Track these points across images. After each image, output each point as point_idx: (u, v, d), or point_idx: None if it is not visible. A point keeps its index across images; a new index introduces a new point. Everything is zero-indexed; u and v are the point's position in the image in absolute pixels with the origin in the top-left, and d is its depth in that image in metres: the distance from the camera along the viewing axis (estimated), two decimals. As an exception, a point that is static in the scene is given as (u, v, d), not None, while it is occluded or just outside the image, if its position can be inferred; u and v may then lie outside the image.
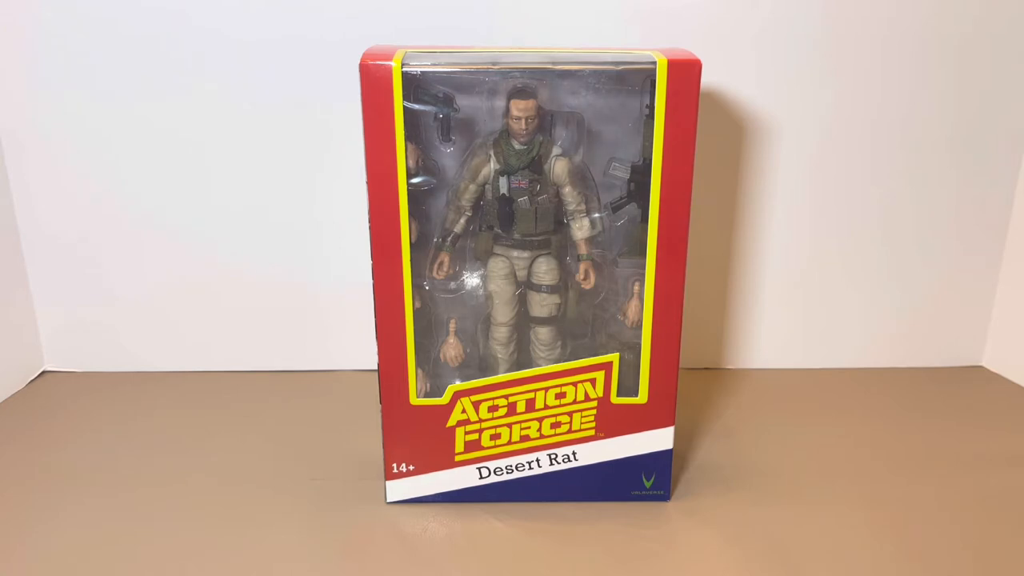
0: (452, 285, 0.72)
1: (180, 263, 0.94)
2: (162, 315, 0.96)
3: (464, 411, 0.68)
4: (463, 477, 0.70)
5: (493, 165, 0.67)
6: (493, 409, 0.68)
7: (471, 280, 0.72)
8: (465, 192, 0.68)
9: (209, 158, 0.91)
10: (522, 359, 0.73)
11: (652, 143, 0.62)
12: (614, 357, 0.68)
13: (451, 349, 0.72)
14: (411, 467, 0.70)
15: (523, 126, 0.65)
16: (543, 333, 0.72)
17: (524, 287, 0.71)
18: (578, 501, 0.71)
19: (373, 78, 0.60)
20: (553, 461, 0.70)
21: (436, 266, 0.70)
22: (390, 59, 0.60)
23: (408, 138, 0.62)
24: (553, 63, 0.64)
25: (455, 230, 0.69)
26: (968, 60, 0.91)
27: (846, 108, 0.91)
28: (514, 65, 0.64)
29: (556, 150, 0.68)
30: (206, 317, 0.96)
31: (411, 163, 0.63)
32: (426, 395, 0.70)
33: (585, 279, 0.71)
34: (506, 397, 0.68)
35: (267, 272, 0.95)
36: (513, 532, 0.68)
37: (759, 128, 0.92)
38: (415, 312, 0.66)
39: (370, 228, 0.63)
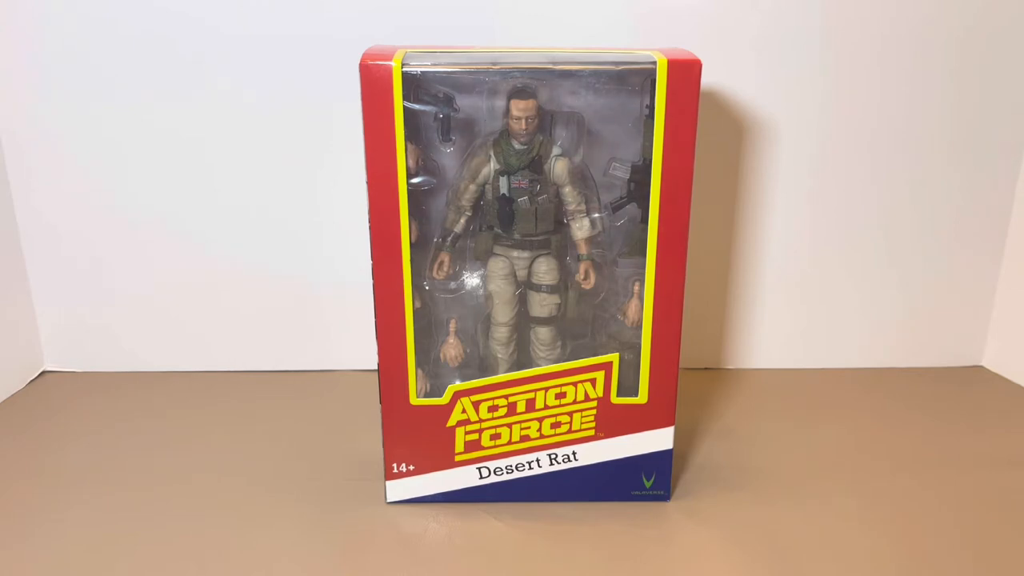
0: (452, 285, 0.72)
1: (180, 263, 0.94)
2: (162, 315, 0.96)
3: (464, 411, 0.68)
4: (463, 477, 0.70)
5: (493, 165, 0.67)
6: (493, 409, 0.68)
7: (471, 280, 0.72)
8: (465, 192, 0.68)
9: (209, 157, 0.91)
10: (522, 359, 0.73)
11: (652, 143, 0.62)
12: (614, 357, 0.68)
13: (451, 349, 0.72)
14: (411, 467, 0.70)
15: (523, 126, 0.65)
16: (543, 333, 0.72)
17: (524, 287, 0.71)
18: (578, 501, 0.71)
19: (373, 78, 0.60)
20: (553, 461, 0.70)
21: (436, 266, 0.70)
22: (390, 59, 0.60)
23: (408, 138, 0.62)
24: (553, 63, 0.64)
25: (455, 230, 0.69)
26: (968, 60, 0.91)
27: (846, 108, 0.91)
28: (514, 65, 0.64)
29: (556, 150, 0.68)
30: (206, 317, 0.96)
31: (411, 163, 0.63)
32: (426, 395, 0.70)
33: (585, 279, 0.71)
34: (506, 397, 0.68)
35: (267, 272, 0.95)
36: (513, 532, 0.68)
37: (759, 128, 0.92)
38: (415, 312, 0.66)
39: (370, 228, 0.63)
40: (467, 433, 0.69)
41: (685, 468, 0.78)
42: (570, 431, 0.69)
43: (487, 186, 0.68)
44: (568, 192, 0.68)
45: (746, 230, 0.96)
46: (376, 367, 0.67)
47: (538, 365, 0.71)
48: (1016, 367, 0.99)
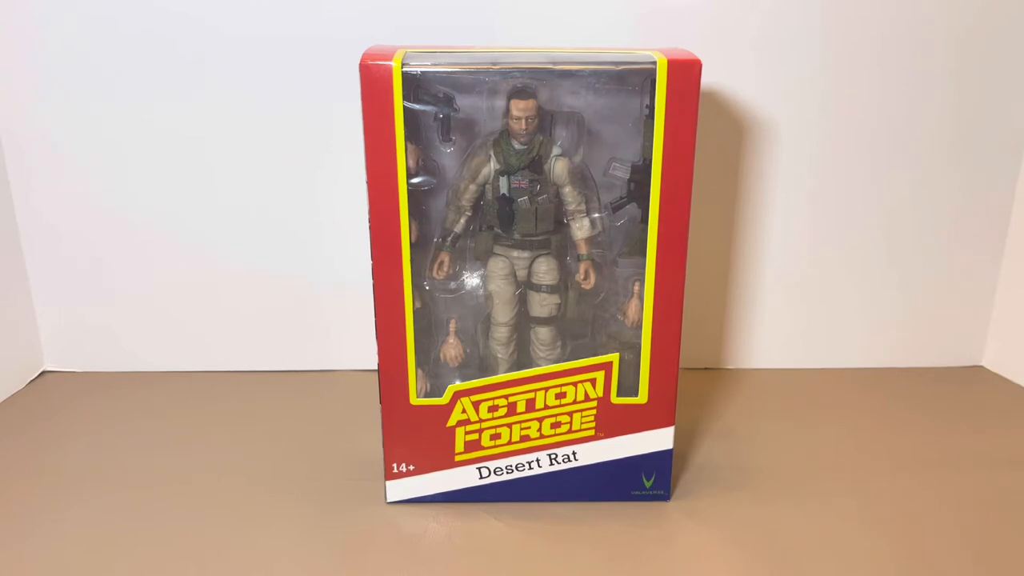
0: (452, 285, 0.72)
1: (180, 262, 0.94)
2: (162, 315, 0.96)
3: (464, 411, 0.68)
4: (463, 477, 0.70)
5: (493, 165, 0.67)
6: (493, 409, 0.68)
7: (471, 280, 0.72)
8: (465, 192, 0.68)
9: (210, 157, 0.91)
10: (522, 359, 0.73)
11: (652, 143, 0.62)
12: (614, 357, 0.68)
13: (451, 349, 0.72)
14: (411, 467, 0.70)
15: (523, 126, 0.65)
16: (543, 333, 0.72)
17: (524, 287, 0.71)
18: (578, 501, 0.71)
19: (373, 78, 0.60)
20: (553, 461, 0.70)
21: (436, 266, 0.70)
22: (390, 59, 0.60)
23: (408, 138, 0.62)
24: (553, 63, 0.64)
25: (455, 230, 0.69)
26: (968, 60, 0.91)
27: (846, 108, 0.91)
28: (514, 65, 0.64)
29: (556, 150, 0.68)
30: (206, 317, 0.96)
31: (411, 163, 0.63)
32: (426, 395, 0.70)
33: (585, 279, 0.71)
34: (506, 397, 0.68)
35: (267, 272, 0.95)
36: (513, 532, 0.68)
37: (759, 128, 0.92)
38: (415, 312, 0.66)
39: (370, 228, 0.63)
40: (467, 433, 0.69)
41: (685, 468, 0.78)
42: (570, 431, 0.69)
43: (487, 186, 0.68)
44: (568, 192, 0.68)
45: (746, 230, 0.96)
46: (376, 367, 0.67)
47: (538, 365, 0.71)
48: (1016, 367, 0.99)
